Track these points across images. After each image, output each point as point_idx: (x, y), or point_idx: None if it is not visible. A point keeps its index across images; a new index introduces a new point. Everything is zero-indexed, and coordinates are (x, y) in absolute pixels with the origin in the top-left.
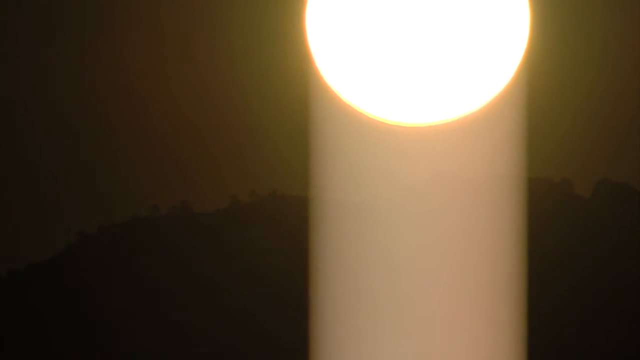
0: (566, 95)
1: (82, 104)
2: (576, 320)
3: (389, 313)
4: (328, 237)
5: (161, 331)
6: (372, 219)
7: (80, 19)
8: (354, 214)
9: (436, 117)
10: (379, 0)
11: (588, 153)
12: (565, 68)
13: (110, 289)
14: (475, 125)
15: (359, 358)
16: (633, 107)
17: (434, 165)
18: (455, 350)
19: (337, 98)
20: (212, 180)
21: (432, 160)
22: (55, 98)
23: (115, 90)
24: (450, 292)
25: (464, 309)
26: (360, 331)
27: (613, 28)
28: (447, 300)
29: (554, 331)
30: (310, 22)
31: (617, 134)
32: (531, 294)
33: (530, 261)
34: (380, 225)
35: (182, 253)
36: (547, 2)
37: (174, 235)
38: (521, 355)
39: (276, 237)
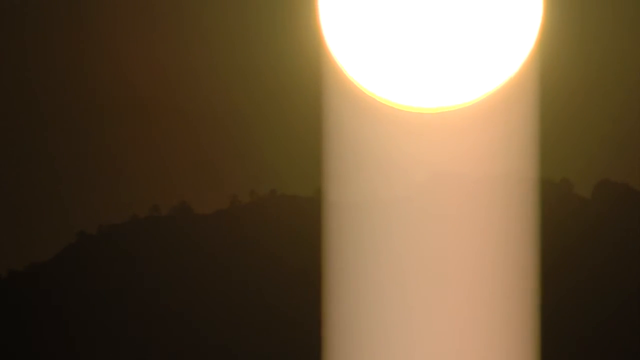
0: (566, 97)
1: (82, 105)
2: (575, 318)
3: (394, 313)
4: (329, 236)
5: (162, 330)
6: (375, 218)
7: (82, 19)
8: (357, 213)
9: (447, 102)
10: None
11: (588, 153)
12: (572, 68)
13: (111, 289)
14: (483, 119)
15: (361, 357)
16: (633, 108)
17: (439, 162)
18: (456, 347)
19: (350, 84)
20: (212, 180)
21: (437, 155)
22: (56, 99)
23: (115, 90)
24: (453, 288)
25: (470, 305)
26: (364, 330)
27: (617, 28)
28: (451, 295)
29: (552, 329)
30: (323, 9)
31: (617, 134)
32: (532, 292)
33: (532, 260)
34: (386, 224)
35: (182, 253)
36: None
37: (174, 235)
38: (521, 349)
39: (276, 236)
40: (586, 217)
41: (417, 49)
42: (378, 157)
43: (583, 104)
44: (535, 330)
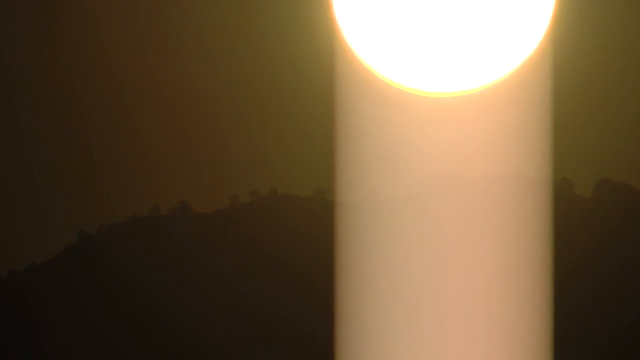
0: (566, 98)
1: (83, 105)
2: (575, 316)
3: (395, 310)
4: (329, 236)
5: (161, 330)
6: (378, 217)
7: (86, 19)
8: (361, 213)
9: (454, 88)
10: None
11: (588, 153)
12: (574, 70)
13: (110, 289)
14: (487, 114)
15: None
16: (634, 108)
17: (442, 159)
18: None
19: (363, 70)
20: (212, 180)
21: (441, 150)
22: (56, 99)
23: (115, 90)
24: (456, 285)
25: (473, 300)
26: (364, 327)
27: (618, 30)
28: (455, 292)
29: (552, 326)
30: None
31: (617, 134)
32: (534, 291)
33: (533, 260)
34: (389, 223)
35: (182, 253)
36: None
37: (174, 235)
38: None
39: (276, 236)
40: (586, 217)
41: (429, 34)
42: (387, 150)
43: (583, 105)
44: (535, 326)
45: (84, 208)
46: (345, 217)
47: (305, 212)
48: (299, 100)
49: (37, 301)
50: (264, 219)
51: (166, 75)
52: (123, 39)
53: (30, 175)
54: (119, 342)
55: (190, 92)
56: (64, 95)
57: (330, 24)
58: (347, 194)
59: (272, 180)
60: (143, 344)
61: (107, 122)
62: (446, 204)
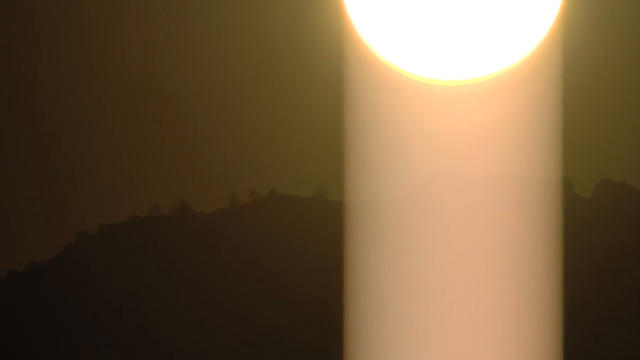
0: (564, 97)
1: (83, 105)
2: (574, 317)
3: (400, 313)
4: (328, 237)
5: (161, 330)
6: (379, 217)
7: (81, 21)
8: (361, 213)
9: (467, 75)
10: None
11: (588, 153)
12: (574, 64)
13: (110, 289)
14: (489, 110)
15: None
16: (634, 108)
17: (443, 159)
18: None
19: (373, 59)
20: (212, 180)
21: (441, 151)
22: (56, 99)
23: (115, 90)
24: (457, 285)
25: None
26: (364, 327)
27: (618, 30)
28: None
29: (551, 326)
30: None
31: (617, 134)
32: (534, 290)
33: (534, 259)
34: (389, 223)
35: (182, 253)
36: None
37: (174, 235)
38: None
39: (276, 236)
40: (586, 217)
41: (438, 22)
42: (393, 148)
43: (582, 106)
44: (536, 322)
45: (84, 208)
46: (345, 217)
47: (305, 212)
48: (302, 99)
49: (37, 301)
50: (263, 219)
51: (167, 75)
52: (131, 38)
53: (30, 175)
54: (119, 342)
55: (190, 92)
56: (64, 95)
57: (339, 16)
58: (350, 194)
59: (272, 181)
60: (142, 343)
61: (108, 122)
62: (448, 203)
